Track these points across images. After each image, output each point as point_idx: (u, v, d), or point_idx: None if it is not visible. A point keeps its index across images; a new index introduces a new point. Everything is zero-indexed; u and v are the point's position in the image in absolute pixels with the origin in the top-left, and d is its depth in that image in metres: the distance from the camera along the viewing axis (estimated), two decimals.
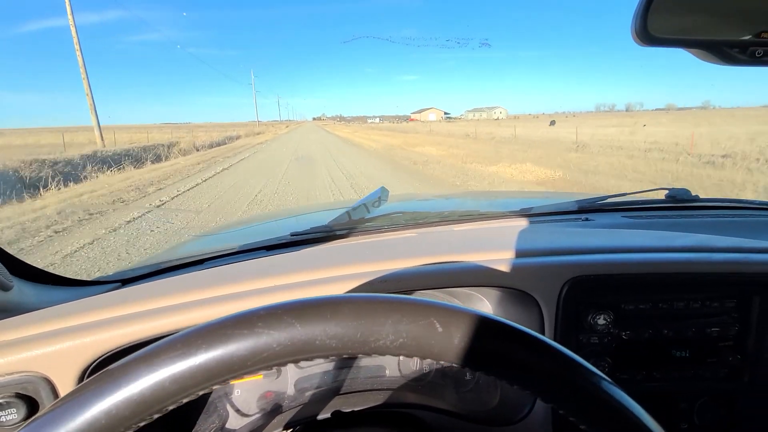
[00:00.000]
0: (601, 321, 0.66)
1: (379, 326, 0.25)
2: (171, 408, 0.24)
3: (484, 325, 0.26)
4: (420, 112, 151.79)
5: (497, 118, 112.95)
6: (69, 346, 0.50)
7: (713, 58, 0.34)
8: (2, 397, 0.48)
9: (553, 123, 42.48)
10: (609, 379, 0.26)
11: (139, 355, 0.25)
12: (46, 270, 0.69)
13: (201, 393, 0.24)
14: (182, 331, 0.25)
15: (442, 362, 0.26)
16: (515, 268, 0.63)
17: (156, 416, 0.24)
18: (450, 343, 0.26)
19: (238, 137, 29.59)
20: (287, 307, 0.26)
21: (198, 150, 18.06)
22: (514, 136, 21.06)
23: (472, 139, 21.86)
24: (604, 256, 0.65)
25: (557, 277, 0.63)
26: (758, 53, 0.33)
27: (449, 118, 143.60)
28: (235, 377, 0.25)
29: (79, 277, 0.75)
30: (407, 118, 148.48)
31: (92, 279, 0.77)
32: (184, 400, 0.24)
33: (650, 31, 0.33)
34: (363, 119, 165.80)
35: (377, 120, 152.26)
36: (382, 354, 0.26)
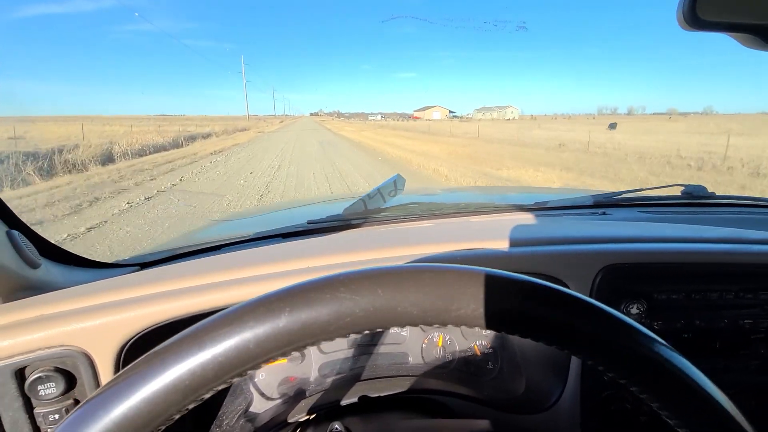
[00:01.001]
0: (634, 310, 0.65)
1: (460, 295, 0.25)
2: (236, 380, 0.24)
3: (574, 303, 0.26)
4: (423, 110, 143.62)
5: (509, 119, 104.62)
6: (108, 321, 0.50)
7: (761, 44, 0.33)
8: (42, 371, 0.48)
9: (613, 126, 33.12)
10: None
11: (223, 316, 0.24)
12: (69, 251, 0.69)
13: (272, 360, 0.24)
14: (258, 296, 0.25)
15: (513, 337, 0.25)
16: (548, 255, 0.63)
17: (231, 381, 0.24)
18: (528, 314, 0.26)
19: (208, 135, 20.51)
20: (371, 273, 0.25)
21: (113, 162, 10.58)
22: (664, 147, 12.31)
23: (582, 153, 12.94)
24: (641, 245, 0.65)
25: (592, 264, 0.63)
26: None
27: (456, 116, 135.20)
28: (314, 342, 0.24)
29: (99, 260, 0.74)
30: (410, 116, 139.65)
31: (111, 262, 0.76)
32: (262, 365, 0.24)
33: (698, 14, 0.32)
34: (363, 116, 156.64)
35: (378, 117, 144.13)
36: (460, 324, 0.25)
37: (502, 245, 0.64)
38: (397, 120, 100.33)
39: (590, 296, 0.58)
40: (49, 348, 0.48)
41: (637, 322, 0.57)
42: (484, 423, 0.56)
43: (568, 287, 0.59)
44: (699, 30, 0.33)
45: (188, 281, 0.57)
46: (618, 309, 0.60)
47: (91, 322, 0.50)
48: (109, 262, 0.75)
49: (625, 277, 0.63)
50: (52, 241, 0.66)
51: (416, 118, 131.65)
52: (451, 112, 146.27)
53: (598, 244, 0.65)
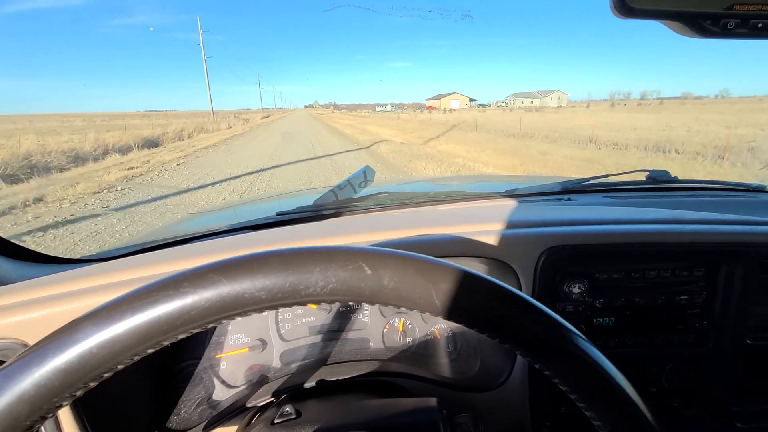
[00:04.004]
0: (576, 290, 0.71)
1: (307, 274, 0.27)
2: (107, 375, 0.26)
3: (410, 264, 0.28)
4: (438, 98, 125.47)
5: (559, 106, 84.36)
6: (51, 313, 0.52)
7: (688, 31, 0.35)
8: None
9: None
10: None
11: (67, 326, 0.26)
12: (27, 247, 0.71)
13: (136, 358, 0.26)
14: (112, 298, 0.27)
15: (385, 305, 0.28)
16: (495, 239, 0.68)
17: (91, 384, 0.25)
18: (380, 283, 0.27)
19: None
20: (214, 265, 0.27)
21: None
22: None
23: None
24: (580, 228, 0.70)
25: (534, 247, 0.68)
26: (729, 25, 0.34)
27: (481, 105, 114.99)
28: (167, 338, 0.26)
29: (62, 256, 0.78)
30: (423, 106, 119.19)
31: (75, 258, 0.78)
32: (119, 366, 0.26)
33: (627, 2, 0.34)
34: (370, 107, 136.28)
35: (388, 108, 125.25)
36: (315, 302, 0.27)
37: (458, 230, 0.69)
38: (410, 111, 79.89)
39: (534, 277, 0.66)
40: None
41: (580, 301, 0.70)
42: (432, 400, 0.59)
43: (514, 270, 0.67)
44: (629, 18, 0.34)
45: (143, 271, 0.60)
46: (561, 289, 0.71)
47: (33, 314, 0.51)
48: (71, 257, 0.76)
49: (567, 258, 0.68)
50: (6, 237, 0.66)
51: (431, 107, 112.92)
52: (471, 99, 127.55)
53: (542, 228, 0.70)
